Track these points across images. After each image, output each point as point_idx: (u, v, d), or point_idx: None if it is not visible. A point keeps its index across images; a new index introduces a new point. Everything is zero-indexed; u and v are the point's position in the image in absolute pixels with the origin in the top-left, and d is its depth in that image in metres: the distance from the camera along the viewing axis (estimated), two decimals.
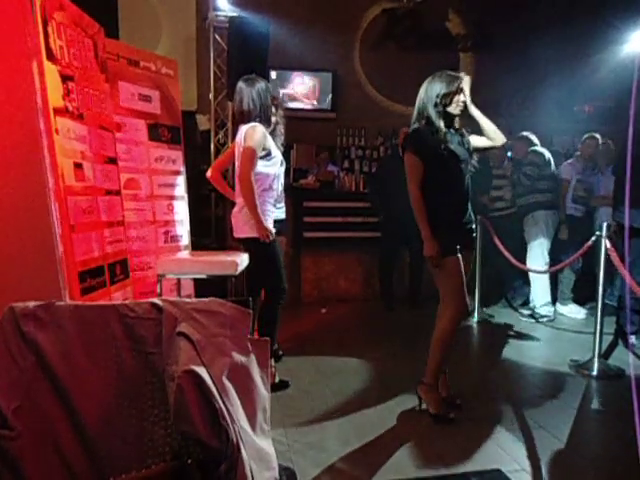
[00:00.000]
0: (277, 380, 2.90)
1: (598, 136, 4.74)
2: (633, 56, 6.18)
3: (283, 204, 3.05)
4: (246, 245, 2.93)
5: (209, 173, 3.22)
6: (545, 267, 4.33)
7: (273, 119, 2.99)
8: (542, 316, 4.45)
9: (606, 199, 4.40)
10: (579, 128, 5.09)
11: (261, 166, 2.80)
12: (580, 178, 4.66)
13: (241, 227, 2.87)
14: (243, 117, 2.87)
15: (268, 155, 2.82)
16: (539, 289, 4.47)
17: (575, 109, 7.50)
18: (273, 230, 2.84)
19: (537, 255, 4.42)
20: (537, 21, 6.98)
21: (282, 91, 7.01)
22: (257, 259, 2.89)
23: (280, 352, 3.29)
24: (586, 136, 4.79)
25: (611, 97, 7.13)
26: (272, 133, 3.00)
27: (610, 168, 4.56)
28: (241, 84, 2.89)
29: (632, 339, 3.72)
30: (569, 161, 4.77)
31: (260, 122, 2.81)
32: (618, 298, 4.08)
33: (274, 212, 2.95)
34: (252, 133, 2.75)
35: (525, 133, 4.79)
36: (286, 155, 3.21)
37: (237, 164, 2.88)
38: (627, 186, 3.25)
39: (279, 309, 2.94)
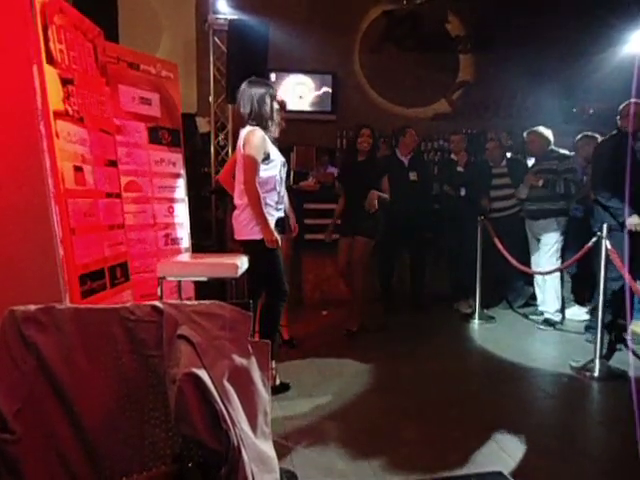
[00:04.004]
0: (278, 382, 2.90)
1: (597, 135, 4.68)
2: (633, 57, 6.17)
3: (283, 205, 3.05)
4: (246, 247, 2.93)
5: (221, 176, 3.26)
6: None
7: (276, 120, 2.96)
8: (555, 322, 4.33)
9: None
10: (579, 129, 5.06)
11: (260, 170, 2.79)
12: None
13: (241, 230, 2.87)
14: (242, 119, 2.88)
15: (267, 159, 2.82)
16: (549, 295, 4.35)
17: (575, 110, 7.49)
18: (279, 237, 2.84)
19: (547, 263, 4.27)
20: (537, 22, 6.97)
21: (282, 93, 7.01)
22: (257, 261, 2.89)
23: (294, 342, 3.75)
24: (580, 136, 4.70)
25: (611, 98, 7.12)
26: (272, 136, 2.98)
27: None
28: (243, 86, 2.89)
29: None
30: None
31: (258, 126, 2.81)
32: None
33: (275, 215, 2.94)
34: (251, 138, 2.75)
35: (541, 128, 4.42)
36: (286, 157, 3.21)
37: (237, 169, 2.89)
38: (627, 185, 3.25)
39: (281, 311, 2.94)
